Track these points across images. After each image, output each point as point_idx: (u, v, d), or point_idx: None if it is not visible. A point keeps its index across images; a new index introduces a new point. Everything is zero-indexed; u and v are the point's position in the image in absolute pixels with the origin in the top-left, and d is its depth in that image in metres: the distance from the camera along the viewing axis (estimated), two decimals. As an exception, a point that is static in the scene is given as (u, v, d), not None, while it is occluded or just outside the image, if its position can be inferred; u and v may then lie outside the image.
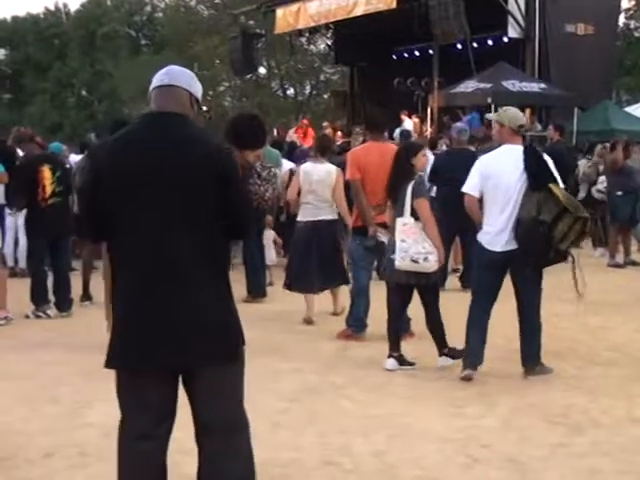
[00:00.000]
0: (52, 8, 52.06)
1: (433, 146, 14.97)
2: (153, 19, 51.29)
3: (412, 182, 7.12)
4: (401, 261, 6.97)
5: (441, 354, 7.24)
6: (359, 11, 24.04)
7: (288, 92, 49.37)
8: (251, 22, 33.11)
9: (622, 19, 37.34)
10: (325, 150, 9.28)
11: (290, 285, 9.31)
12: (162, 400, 3.59)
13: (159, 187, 3.48)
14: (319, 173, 9.00)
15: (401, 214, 7.07)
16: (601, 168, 14.45)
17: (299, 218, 9.23)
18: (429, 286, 7.18)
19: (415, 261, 6.93)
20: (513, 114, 6.99)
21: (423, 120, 23.36)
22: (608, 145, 14.98)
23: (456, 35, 21.08)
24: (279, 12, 27.23)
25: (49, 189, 9.52)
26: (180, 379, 3.60)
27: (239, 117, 8.54)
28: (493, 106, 21.64)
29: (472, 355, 6.86)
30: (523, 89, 22.07)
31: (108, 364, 3.58)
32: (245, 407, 3.67)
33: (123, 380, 3.59)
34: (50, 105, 49.41)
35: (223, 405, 3.59)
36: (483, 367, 7.09)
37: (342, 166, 8.80)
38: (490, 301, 6.86)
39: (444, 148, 14.95)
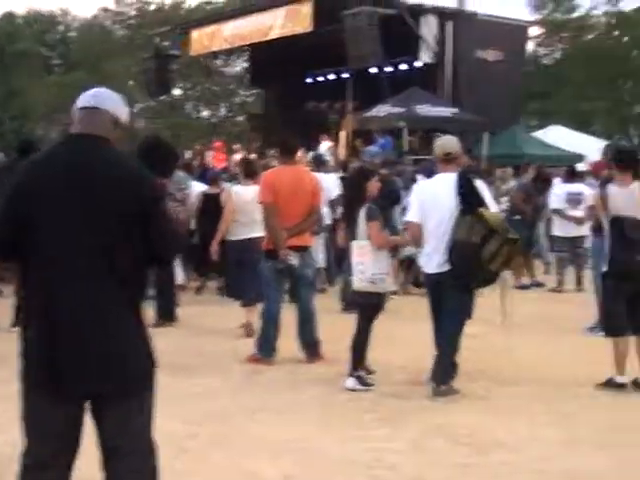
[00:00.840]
0: (-38, 25, 51.02)
1: (344, 169, 15.11)
2: (66, 38, 50.61)
3: (365, 206, 7.35)
4: (359, 282, 7.26)
5: (352, 375, 7.31)
6: (275, 34, 24.22)
7: (202, 114, 49.26)
8: (166, 43, 33.02)
9: (531, 46, 38.30)
10: (252, 174, 9.96)
11: (227, 293, 10.30)
12: (67, 428, 3.52)
13: (76, 210, 3.44)
14: (249, 194, 9.44)
15: (355, 237, 7.32)
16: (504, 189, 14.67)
17: (231, 237, 9.83)
18: (377, 306, 7.39)
19: (373, 282, 7.20)
20: (440, 143, 7.43)
21: (336, 143, 23.52)
22: (509, 169, 15.37)
23: (370, 59, 21.37)
24: (194, 34, 27.27)
25: None
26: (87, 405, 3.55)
27: (148, 144, 8.69)
28: (406, 130, 22.06)
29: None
30: (435, 113, 22.48)
31: (21, 383, 3.52)
32: (153, 432, 3.64)
33: (28, 405, 3.52)
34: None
35: (131, 432, 3.55)
36: (392, 389, 7.18)
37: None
38: (438, 315, 7.21)
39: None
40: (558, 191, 13.54)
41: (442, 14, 24.05)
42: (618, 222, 7.14)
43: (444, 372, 7.05)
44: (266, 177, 8.34)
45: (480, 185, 7.17)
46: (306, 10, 22.97)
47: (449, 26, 23.96)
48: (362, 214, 7.30)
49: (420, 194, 7.36)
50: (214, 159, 20.66)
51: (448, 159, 7.20)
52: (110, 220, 3.45)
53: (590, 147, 23.37)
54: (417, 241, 7.36)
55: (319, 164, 13.55)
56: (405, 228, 7.63)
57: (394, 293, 11.84)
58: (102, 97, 3.66)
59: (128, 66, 42.12)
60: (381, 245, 7.30)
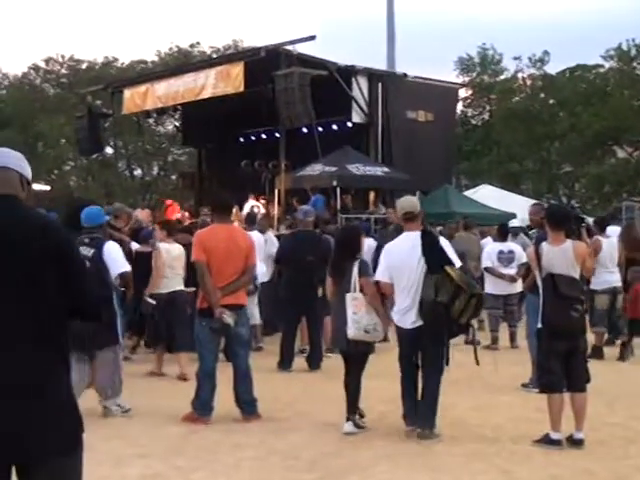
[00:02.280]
0: None
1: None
2: (-5, 96, 50.21)
3: (357, 262, 7.83)
4: (355, 332, 7.58)
5: (348, 420, 7.73)
6: (207, 94, 24.19)
7: (135, 172, 49.06)
8: (98, 102, 32.92)
9: (460, 107, 39.10)
10: (172, 231, 11.11)
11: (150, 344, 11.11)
12: None
13: None
14: (176, 251, 10.68)
15: (348, 290, 7.70)
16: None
17: (159, 290, 10.50)
18: (366, 354, 7.87)
19: (367, 331, 7.60)
20: (399, 204, 7.93)
21: (269, 202, 23.59)
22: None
23: (302, 119, 21.45)
24: (127, 93, 27.13)
25: None
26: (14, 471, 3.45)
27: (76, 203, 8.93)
28: (338, 189, 22.21)
29: (410, 417, 7.63)
30: (367, 172, 22.65)
31: None
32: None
33: None
34: None
35: None
36: (332, 447, 7.15)
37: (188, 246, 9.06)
38: (413, 369, 7.63)
39: (283, 230, 15.12)
40: (490, 249, 13.73)
41: (372, 75, 24.40)
42: (552, 279, 7.24)
43: (433, 415, 7.50)
44: (199, 236, 8.29)
45: (444, 242, 7.65)
46: (238, 71, 23.00)
47: (379, 87, 24.30)
48: (355, 269, 7.74)
49: (388, 254, 7.72)
50: (170, 215, 20.63)
51: (408, 218, 7.65)
52: (30, 279, 3.41)
53: (520, 206, 23.89)
54: (389, 298, 7.79)
55: (251, 222, 13.62)
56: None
57: (331, 351, 11.89)
58: (8, 157, 3.65)
59: (60, 125, 41.84)
60: (374, 297, 7.67)
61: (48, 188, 35.43)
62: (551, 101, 38.11)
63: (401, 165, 23.64)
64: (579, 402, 7.28)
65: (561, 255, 7.28)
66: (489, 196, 25.20)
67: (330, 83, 22.25)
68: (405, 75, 25.26)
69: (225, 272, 7.92)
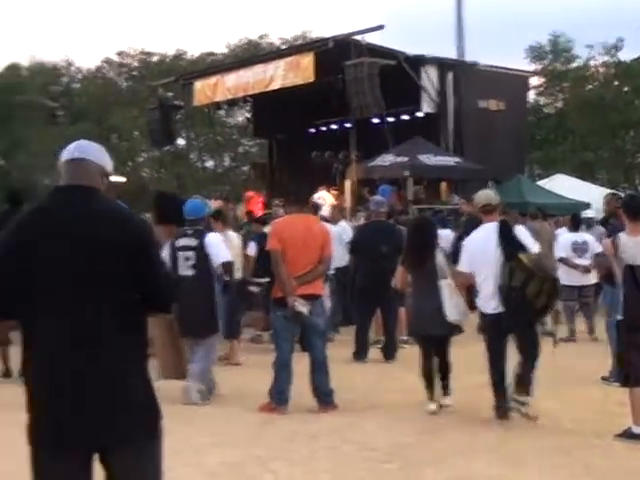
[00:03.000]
0: (-33, 77, 51.47)
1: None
2: (70, 89, 50.98)
3: (439, 251, 8.38)
4: (454, 314, 8.04)
5: (445, 394, 8.34)
6: (276, 85, 24.25)
7: (207, 164, 49.44)
8: (170, 94, 33.23)
9: (532, 95, 38.56)
10: (226, 221, 11.47)
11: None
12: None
13: (71, 262, 3.43)
14: (235, 240, 11.30)
15: (435, 278, 8.12)
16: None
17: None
18: (452, 335, 8.35)
19: (465, 314, 8.15)
20: (477, 197, 8.36)
21: (340, 193, 23.58)
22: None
23: (372, 109, 21.38)
24: (197, 84, 27.37)
25: None
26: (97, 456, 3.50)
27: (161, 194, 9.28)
28: (410, 180, 22.11)
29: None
30: (439, 163, 22.50)
31: (28, 438, 3.49)
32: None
33: (37, 458, 3.47)
34: (-34, 175, 48.54)
35: None
36: (407, 439, 7.13)
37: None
38: (501, 352, 7.85)
39: (362, 221, 15.06)
40: (563, 240, 13.47)
41: (442, 65, 24.20)
42: (631, 271, 7.09)
43: (530, 384, 7.67)
44: (275, 226, 8.38)
45: (520, 230, 7.95)
46: (307, 61, 23.03)
47: (450, 76, 24.11)
48: (440, 257, 8.26)
49: (468, 246, 8.12)
50: (252, 206, 20.73)
51: (487, 210, 8.04)
52: (108, 270, 3.45)
53: (595, 195, 23.48)
54: (468, 287, 8.30)
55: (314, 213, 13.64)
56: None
57: (406, 342, 11.83)
58: (87, 149, 3.69)
59: (132, 117, 42.38)
60: (461, 284, 8.18)
61: (124, 180, 35.78)
62: (625, 89, 37.33)
63: (473, 155, 23.42)
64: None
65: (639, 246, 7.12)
66: (563, 186, 24.76)
67: (399, 73, 22.14)
68: (475, 64, 25.01)
69: (300, 262, 7.96)
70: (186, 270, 8.52)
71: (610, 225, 11.19)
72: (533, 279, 7.40)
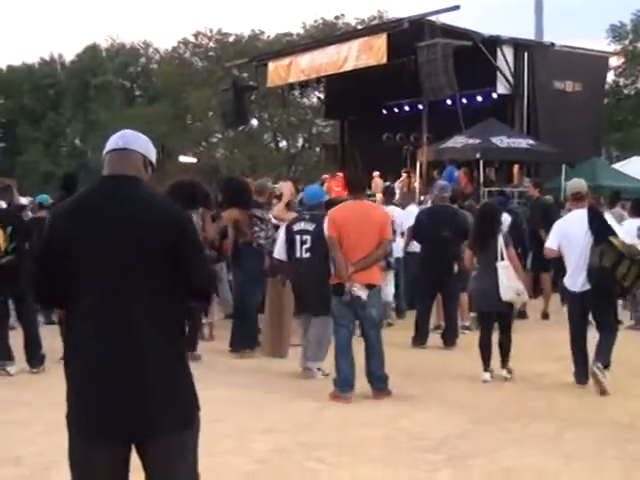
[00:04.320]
0: (47, 58, 52.40)
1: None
2: (148, 70, 51.61)
3: (502, 235, 8.99)
4: (508, 294, 8.76)
5: (503, 367, 8.95)
6: (349, 66, 24.18)
7: (280, 144, 49.61)
8: (245, 75, 33.39)
9: (611, 76, 37.72)
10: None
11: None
12: (114, 469, 3.50)
13: (114, 251, 3.45)
14: None
15: (496, 259, 8.83)
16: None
17: None
18: (511, 315, 9.18)
19: (518, 294, 8.85)
20: (570, 185, 9.19)
21: (410, 175, 23.43)
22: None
23: (445, 91, 21.19)
24: (271, 65, 27.40)
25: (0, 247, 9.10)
26: (133, 446, 3.52)
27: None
28: (482, 162, 21.83)
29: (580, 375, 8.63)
30: (511, 145, 22.15)
31: (67, 427, 3.52)
32: (212, 468, 3.58)
33: (75, 447, 3.51)
34: (43, 154, 49.51)
35: (179, 472, 3.52)
36: (458, 429, 7.04)
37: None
38: (582, 327, 8.67)
39: (429, 204, 14.91)
40: (629, 225, 12.42)
41: (518, 45, 23.83)
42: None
43: (609, 357, 8.44)
44: (332, 213, 8.33)
45: (608, 217, 8.72)
46: (380, 42, 22.89)
47: (526, 57, 23.70)
48: (501, 241, 8.88)
49: (559, 228, 8.88)
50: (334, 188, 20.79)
51: (577, 198, 8.77)
52: (149, 260, 3.46)
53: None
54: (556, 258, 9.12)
55: (388, 197, 13.57)
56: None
57: (467, 328, 11.73)
58: (130, 138, 3.68)
59: (207, 97, 42.69)
60: (518, 266, 9.05)
61: (195, 160, 36.20)
62: None
63: (547, 137, 23.03)
64: None
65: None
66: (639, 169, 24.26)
67: (475, 54, 21.85)
68: (552, 44, 24.54)
69: (358, 247, 7.92)
70: (303, 253, 9.06)
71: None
72: (623, 261, 8.12)
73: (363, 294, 7.83)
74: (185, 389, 3.56)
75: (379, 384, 8.11)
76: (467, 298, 11.81)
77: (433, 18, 21.83)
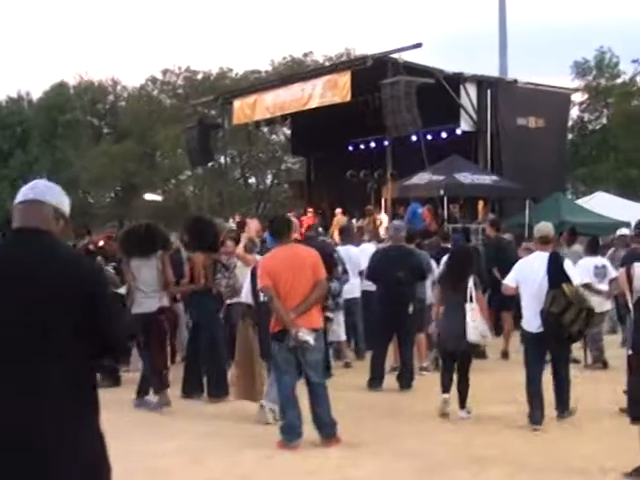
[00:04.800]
0: (15, 96, 52.11)
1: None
2: (116, 108, 51.44)
3: (473, 277, 9.25)
4: (474, 336, 9.03)
5: (462, 407, 9.13)
6: (314, 103, 24.18)
7: (250, 181, 49.48)
8: (213, 112, 33.33)
9: (576, 112, 38.04)
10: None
11: None
12: None
13: (15, 311, 3.28)
14: None
15: (466, 300, 9.09)
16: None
17: None
18: (471, 355, 9.46)
19: (484, 336, 9.18)
20: (537, 228, 9.28)
21: (373, 212, 23.34)
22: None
23: (408, 128, 21.23)
24: (236, 103, 27.39)
25: None
26: None
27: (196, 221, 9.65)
28: (445, 198, 21.83)
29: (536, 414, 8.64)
30: (475, 181, 22.23)
31: None
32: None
33: None
34: (10, 192, 49.05)
35: None
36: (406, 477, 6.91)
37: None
38: (539, 368, 8.72)
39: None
40: (585, 264, 12.22)
41: (481, 82, 23.97)
42: (643, 304, 6.80)
43: (568, 400, 8.76)
44: (263, 262, 8.16)
45: (567, 263, 8.87)
46: (345, 80, 22.90)
47: (489, 94, 23.83)
48: (471, 283, 9.16)
49: (520, 267, 9.09)
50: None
51: (544, 241, 8.96)
52: (52, 320, 3.29)
53: (637, 214, 22.98)
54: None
55: (346, 236, 13.49)
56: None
57: (425, 370, 11.61)
58: (41, 190, 3.57)
59: (176, 135, 42.54)
60: (485, 308, 9.39)
61: (160, 198, 35.99)
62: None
63: (511, 173, 23.13)
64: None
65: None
66: (603, 204, 24.34)
67: (439, 91, 21.99)
68: (515, 81, 24.74)
69: (295, 292, 7.74)
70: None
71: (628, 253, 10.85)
72: (571, 308, 8.30)
73: (310, 338, 7.65)
74: (98, 454, 3.40)
75: (327, 430, 7.90)
76: (425, 338, 11.71)
77: (396, 56, 21.92)
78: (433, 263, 12.23)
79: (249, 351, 9.54)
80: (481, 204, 23.27)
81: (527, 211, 21.65)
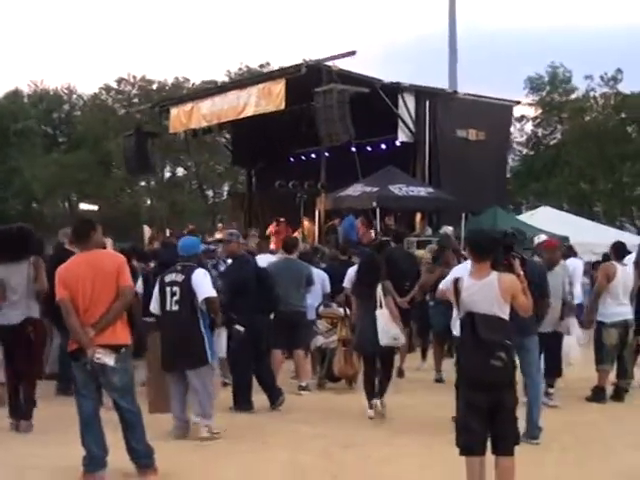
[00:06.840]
0: (-33, 103, 51.20)
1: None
2: (71, 117, 50.64)
3: (383, 283, 9.74)
4: (386, 339, 9.50)
5: (380, 397, 9.59)
6: (249, 112, 23.68)
7: (206, 193, 48.76)
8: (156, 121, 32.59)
9: (530, 126, 37.65)
10: None
11: None
12: None
13: None
14: None
15: (376, 307, 9.59)
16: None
17: None
18: (392, 354, 10.08)
19: (395, 339, 9.62)
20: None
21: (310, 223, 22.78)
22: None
23: (341, 137, 20.65)
24: (173, 111, 26.85)
25: None
26: None
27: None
28: (378, 210, 21.18)
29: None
30: (409, 193, 21.73)
31: None
32: None
33: None
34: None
35: None
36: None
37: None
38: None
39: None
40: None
41: (420, 92, 23.46)
42: (471, 319, 6.11)
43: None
44: (59, 272, 7.14)
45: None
46: (279, 88, 22.39)
47: (427, 105, 23.31)
48: (379, 289, 9.62)
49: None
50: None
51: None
52: None
53: (584, 229, 22.51)
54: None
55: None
56: None
57: (304, 389, 10.96)
58: None
59: (128, 144, 41.72)
60: (395, 313, 9.74)
61: (96, 208, 35.21)
62: (625, 120, 36.20)
63: (449, 185, 22.65)
64: (504, 467, 6.09)
65: (484, 290, 6.15)
66: (546, 219, 23.75)
67: (377, 101, 21.51)
68: (455, 92, 24.31)
69: (96, 305, 6.87)
70: (173, 305, 8.59)
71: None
72: None
73: (109, 360, 6.77)
74: None
75: (143, 460, 7.03)
76: (308, 356, 11.08)
77: (330, 64, 21.35)
78: (322, 275, 11.90)
79: (159, 364, 8.90)
80: (419, 216, 22.70)
81: (463, 223, 21.08)
